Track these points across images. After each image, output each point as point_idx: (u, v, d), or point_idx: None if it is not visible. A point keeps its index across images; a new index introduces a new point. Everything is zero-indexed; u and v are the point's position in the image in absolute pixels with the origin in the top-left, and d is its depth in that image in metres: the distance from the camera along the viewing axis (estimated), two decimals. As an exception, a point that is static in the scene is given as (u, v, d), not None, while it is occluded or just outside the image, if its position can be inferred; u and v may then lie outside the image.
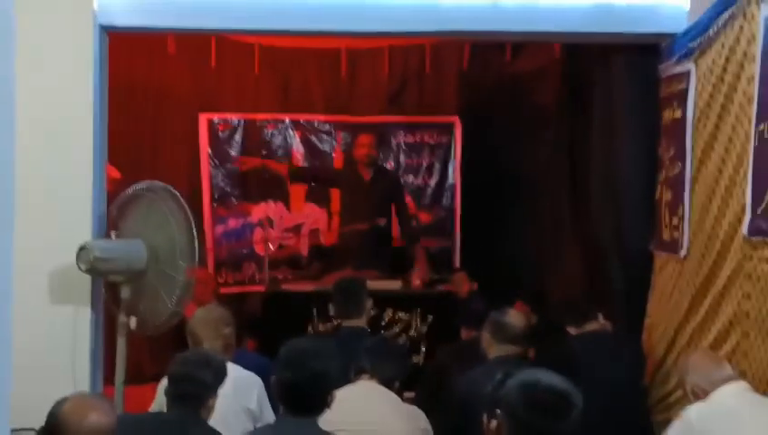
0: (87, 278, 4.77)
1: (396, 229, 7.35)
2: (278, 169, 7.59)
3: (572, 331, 4.92)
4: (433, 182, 8.03)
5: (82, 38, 4.86)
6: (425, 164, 8.02)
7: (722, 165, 4.38)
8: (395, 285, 6.72)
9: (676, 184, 4.93)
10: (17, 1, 2.25)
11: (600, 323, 4.91)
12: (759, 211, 3.93)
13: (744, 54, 4.20)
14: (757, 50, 4.03)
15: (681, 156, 4.88)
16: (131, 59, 6.84)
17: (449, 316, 6.04)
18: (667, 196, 5.10)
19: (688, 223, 4.77)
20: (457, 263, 7.73)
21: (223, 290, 7.22)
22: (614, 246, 5.84)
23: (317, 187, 7.76)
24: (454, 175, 7.96)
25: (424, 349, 6.32)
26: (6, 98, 1.71)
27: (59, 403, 2.81)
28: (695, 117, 4.75)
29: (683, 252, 4.80)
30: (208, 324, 4.06)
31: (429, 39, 7.13)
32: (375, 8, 5.08)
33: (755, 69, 4.02)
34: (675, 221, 4.93)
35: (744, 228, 4.05)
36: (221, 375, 3.36)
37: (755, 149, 3.98)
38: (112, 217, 5.01)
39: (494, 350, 4.22)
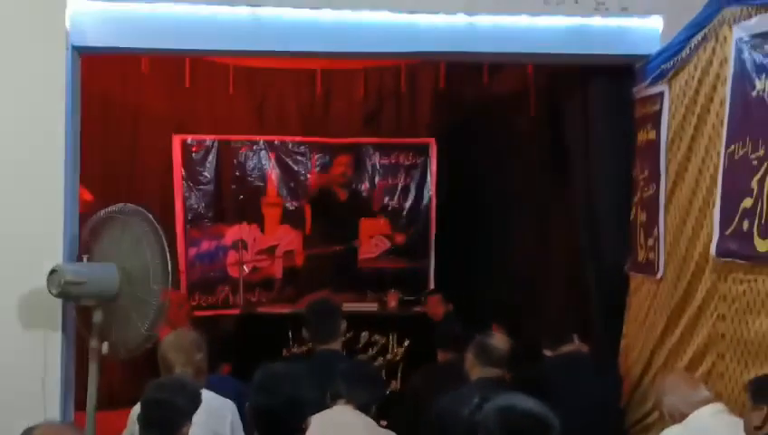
0: (58, 302, 4.69)
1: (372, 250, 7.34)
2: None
3: (548, 353, 4.91)
4: (408, 204, 8.01)
5: (55, 59, 4.81)
6: (400, 185, 8.00)
7: (695, 186, 4.41)
8: (371, 306, 6.69)
9: (651, 205, 4.94)
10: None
11: (575, 345, 4.90)
12: (728, 232, 3.96)
13: (717, 76, 4.25)
14: (728, 72, 4.07)
15: (655, 177, 4.90)
16: (105, 79, 6.79)
17: (425, 340, 6.01)
18: (642, 217, 5.11)
19: (663, 244, 4.78)
20: (432, 284, 7.70)
21: (196, 313, 7.15)
22: (590, 267, 5.84)
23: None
24: (429, 196, 7.95)
25: (400, 373, 6.28)
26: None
27: (27, 432, 2.75)
28: (668, 138, 4.79)
29: (659, 273, 4.81)
30: (180, 350, 3.97)
31: (405, 60, 7.12)
32: (351, 29, 5.08)
33: (727, 91, 4.05)
34: (650, 242, 4.95)
35: (713, 249, 4.08)
36: (196, 401, 3.30)
37: (725, 170, 4.03)
38: (84, 239, 4.94)
39: (477, 372, 4.21)
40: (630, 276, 5.31)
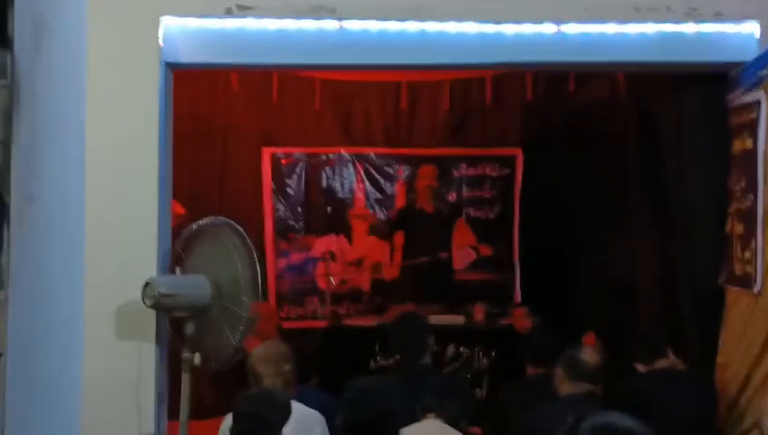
0: (152, 314, 4.78)
1: (458, 262, 7.31)
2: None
3: (641, 368, 4.79)
4: (494, 215, 7.95)
5: (149, 75, 4.91)
6: (486, 196, 7.96)
7: (796, 197, 4.26)
8: (457, 319, 6.65)
9: (748, 217, 4.79)
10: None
11: (670, 361, 4.77)
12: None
13: (817, 83, 4.09)
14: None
15: (753, 188, 4.75)
16: (196, 95, 6.94)
17: (511, 352, 5.95)
18: (738, 229, 4.96)
19: (762, 257, 4.62)
20: (518, 297, 7.63)
21: (285, 325, 7.22)
22: (684, 279, 5.69)
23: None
24: (515, 207, 7.88)
25: (487, 384, 6.23)
26: (78, 139, 1.72)
27: None
28: (766, 147, 4.63)
29: (756, 287, 4.66)
30: (269, 361, 4.03)
31: (492, 71, 7.08)
32: (436, 40, 5.06)
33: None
34: (747, 255, 4.79)
35: None
36: (285, 413, 3.33)
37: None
38: (177, 252, 5.04)
39: (567, 387, 4.14)
40: (727, 290, 5.15)
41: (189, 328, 4.77)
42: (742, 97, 4.97)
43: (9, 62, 1.20)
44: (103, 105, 4.58)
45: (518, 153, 7.86)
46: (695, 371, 5.01)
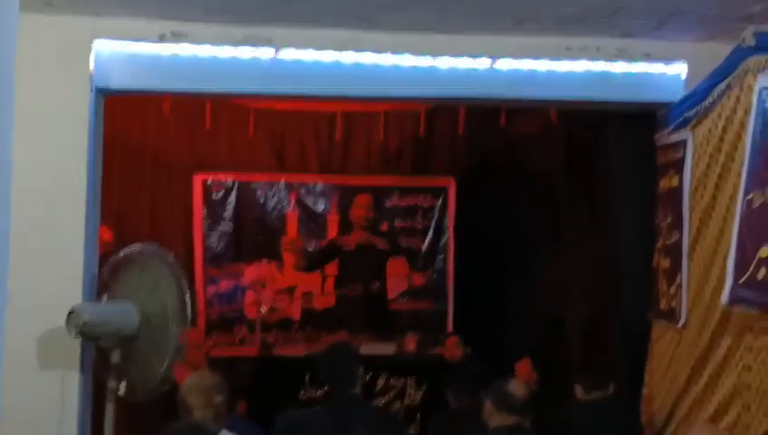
0: (76, 342, 4.68)
1: (390, 292, 7.32)
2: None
3: (580, 393, 4.83)
4: (426, 245, 7.99)
5: (78, 100, 4.83)
6: (419, 227, 7.99)
7: (720, 235, 4.37)
8: (389, 349, 6.65)
9: (674, 252, 4.90)
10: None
11: (606, 393, 4.82)
12: (741, 281, 3.92)
13: (741, 124, 4.22)
14: (750, 120, 4.05)
15: (678, 224, 4.86)
16: (127, 120, 6.84)
17: (442, 383, 5.96)
18: (664, 264, 5.07)
19: (686, 292, 4.73)
20: (450, 326, 7.65)
21: (214, 353, 7.11)
22: (612, 313, 5.78)
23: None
24: (447, 238, 7.93)
25: (419, 418, 6.22)
26: (5, 163, 1.67)
27: None
28: (692, 186, 4.76)
29: (681, 321, 4.76)
30: (200, 393, 3.96)
31: (426, 104, 7.14)
32: (371, 72, 5.08)
33: (747, 139, 4.04)
34: (672, 290, 4.90)
35: (725, 298, 4.03)
36: (213, 447, 3.27)
37: (742, 218, 3.99)
38: (104, 280, 4.94)
39: (496, 419, 4.17)
40: (653, 323, 5.25)
41: (115, 357, 4.67)
42: (669, 136, 5.10)
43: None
44: (31, 129, 4.48)
45: (450, 183, 7.92)
46: (620, 403, 5.09)
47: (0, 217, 1.63)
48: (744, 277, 3.92)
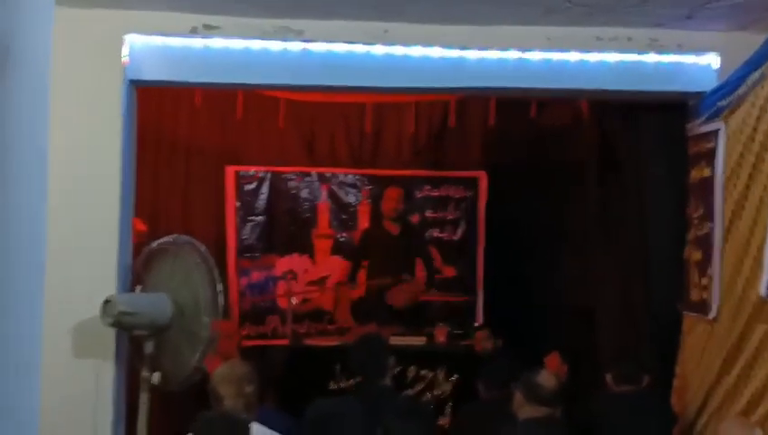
0: (111, 332, 4.75)
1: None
2: None
3: (611, 385, 4.82)
4: (457, 236, 7.99)
5: (112, 92, 4.91)
6: (450, 218, 7.99)
7: (753, 225, 4.34)
8: (419, 341, 6.67)
9: (706, 244, 4.87)
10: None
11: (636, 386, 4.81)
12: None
13: (775, 115, 4.18)
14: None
15: (710, 215, 4.83)
16: (159, 112, 6.91)
17: (473, 374, 5.96)
18: (696, 255, 5.03)
19: (718, 284, 4.70)
20: (481, 318, 7.65)
21: (246, 343, 7.17)
22: (643, 304, 5.76)
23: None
24: (478, 229, 7.92)
25: (449, 409, 6.24)
26: (41, 154, 1.72)
27: None
28: (724, 176, 4.72)
29: (712, 313, 4.73)
30: (231, 382, 3.98)
31: (455, 95, 7.13)
32: (401, 64, 5.10)
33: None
34: (704, 282, 4.87)
35: (762, 289, 4.01)
36: (244, 435, 3.31)
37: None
38: (138, 270, 5.01)
39: (526, 411, 4.17)
40: (684, 315, 5.22)
41: (149, 347, 4.74)
42: (700, 126, 5.06)
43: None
44: (67, 122, 4.54)
45: (481, 175, 7.91)
46: (653, 394, 5.06)
47: (37, 206, 1.67)
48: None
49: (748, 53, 4.56)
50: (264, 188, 7.69)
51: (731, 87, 4.69)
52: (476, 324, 7.28)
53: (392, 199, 7.23)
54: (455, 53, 5.08)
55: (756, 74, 4.41)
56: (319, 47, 5.04)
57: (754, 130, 4.39)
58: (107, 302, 4.57)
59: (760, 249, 4.22)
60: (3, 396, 1.51)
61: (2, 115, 1.42)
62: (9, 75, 1.43)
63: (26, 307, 1.74)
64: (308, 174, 7.80)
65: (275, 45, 5.03)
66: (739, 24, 4.88)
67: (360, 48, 5.05)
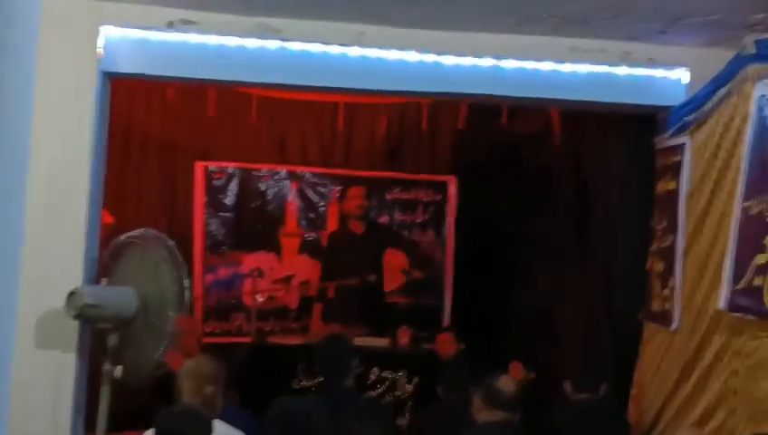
0: (75, 324, 4.72)
1: (387, 285, 7.38)
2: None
3: (569, 393, 4.87)
4: (426, 240, 8.02)
5: (85, 83, 4.89)
6: (418, 221, 8.03)
7: (714, 240, 4.42)
8: (382, 342, 6.69)
9: (668, 255, 4.95)
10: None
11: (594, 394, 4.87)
12: (738, 287, 3.98)
13: (738, 132, 4.28)
14: (748, 129, 4.10)
15: (673, 228, 4.91)
16: (132, 105, 6.88)
17: (434, 377, 6.00)
18: (658, 266, 5.11)
19: (680, 295, 4.78)
20: (447, 322, 7.69)
21: (209, 340, 7.17)
22: (605, 311, 5.83)
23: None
24: (447, 233, 7.97)
25: (409, 411, 6.27)
26: (22, 145, 1.72)
27: None
28: (688, 190, 4.80)
29: (674, 324, 4.80)
30: (192, 379, 3.94)
31: (429, 99, 7.17)
32: (376, 67, 5.13)
33: (745, 147, 4.09)
34: (665, 292, 4.95)
35: (722, 303, 4.09)
36: (207, 432, 3.31)
37: (739, 225, 4.05)
38: (104, 263, 4.99)
39: (484, 415, 4.20)
40: (645, 325, 5.30)
41: (112, 340, 4.72)
42: (668, 140, 5.14)
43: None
44: (42, 113, 4.51)
45: (451, 180, 7.95)
46: (610, 402, 5.13)
47: (17, 205, 1.67)
48: (741, 284, 3.98)
49: (717, 68, 4.65)
50: (233, 185, 7.68)
51: (698, 103, 4.77)
52: (441, 328, 7.31)
53: (355, 198, 7.25)
54: (430, 58, 5.13)
55: (722, 91, 4.49)
56: (295, 46, 5.05)
57: (718, 146, 4.47)
58: (72, 293, 4.54)
59: (719, 263, 4.30)
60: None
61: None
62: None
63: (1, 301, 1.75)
64: (277, 172, 7.80)
65: (252, 42, 5.04)
66: (710, 41, 4.98)
67: (335, 49, 5.08)
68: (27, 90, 1.68)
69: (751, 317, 4.02)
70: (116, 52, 4.95)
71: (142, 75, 5.20)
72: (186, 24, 4.96)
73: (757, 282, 4.01)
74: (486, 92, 5.27)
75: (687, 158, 4.84)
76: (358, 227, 7.28)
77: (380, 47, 5.08)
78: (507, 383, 4.35)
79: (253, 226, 7.73)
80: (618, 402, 5.21)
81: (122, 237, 5.01)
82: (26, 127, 1.71)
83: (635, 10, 4.61)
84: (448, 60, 5.12)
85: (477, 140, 7.74)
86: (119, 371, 4.70)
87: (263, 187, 7.77)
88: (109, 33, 4.92)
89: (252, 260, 7.62)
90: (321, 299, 7.28)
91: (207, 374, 3.99)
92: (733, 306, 4.08)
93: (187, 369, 4.05)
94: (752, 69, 4.22)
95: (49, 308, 4.71)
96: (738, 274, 4.06)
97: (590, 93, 5.22)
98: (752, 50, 4.27)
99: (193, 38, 4.99)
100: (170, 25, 4.94)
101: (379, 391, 6.33)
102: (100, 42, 4.88)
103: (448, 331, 6.95)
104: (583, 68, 5.17)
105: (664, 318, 4.95)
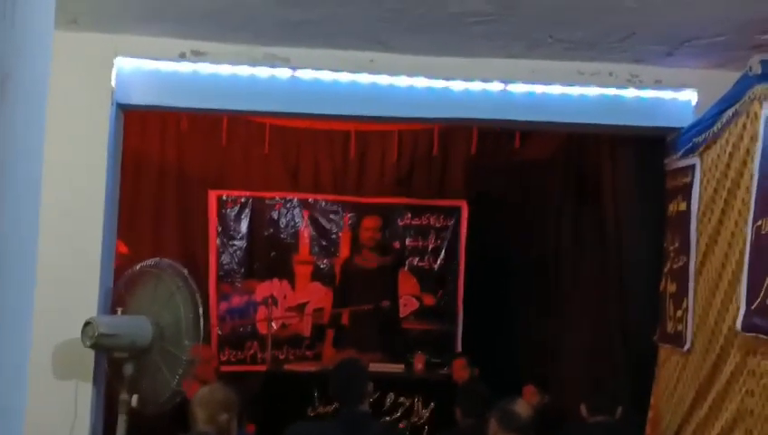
0: (91, 354, 4.75)
1: (401, 311, 7.40)
2: None
3: (585, 416, 4.85)
4: (438, 265, 8.04)
5: (100, 115, 4.94)
6: (430, 247, 8.04)
7: (725, 260, 4.42)
8: (397, 368, 6.70)
9: (681, 276, 4.95)
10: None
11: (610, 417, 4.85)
12: (753, 307, 3.96)
13: (747, 152, 4.28)
14: (757, 148, 4.11)
15: (686, 248, 4.91)
16: (144, 135, 6.95)
17: (449, 403, 5.99)
18: (671, 288, 5.11)
19: (692, 316, 4.77)
20: (459, 347, 7.69)
21: (224, 368, 7.19)
22: (619, 335, 5.82)
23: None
24: (459, 259, 7.98)
25: (426, 435, 6.27)
26: (35, 179, 1.75)
27: None
28: (699, 211, 4.81)
29: (686, 345, 4.80)
30: (207, 407, 3.96)
31: (439, 124, 7.21)
32: (386, 94, 5.17)
33: (755, 166, 4.09)
34: (679, 314, 4.94)
35: (738, 324, 4.08)
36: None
37: (752, 244, 4.04)
38: (119, 292, 5.03)
39: (501, 438, 4.20)
40: (659, 347, 5.29)
41: (128, 369, 4.75)
42: (677, 161, 5.16)
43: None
44: (53, 143, 4.55)
45: (463, 205, 7.97)
46: (627, 425, 5.11)
47: (30, 231, 1.70)
48: (756, 304, 3.97)
49: (725, 89, 4.67)
50: (246, 213, 7.73)
51: (706, 124, 4.79)
52: (455, 353, 7.32)
53: (369, 229, 7.29)
54: (439, 84, 5.16)
55: (730, 112, 4.51)
56: (305, 75, 5.10)
57: (727, 166, 4.48)
58: (87, 323, 4.58)
59: (731, 283, 4.29)
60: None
61: (0, 142, 1.46)
62: (8, 100, 1.47)
63: (16, 329, 1.77)
64: (289, 200, 7.84)
65: (263, 72, 5.09)
66: (717, 62, 5.00)
67: (346, 77, 5.12)
68: (40, 122, 1.71)
69: (765, 337, 4.00)
70: (129, 83, 5.01)
71: (155, 106, 5.27)
72: (197, 55, 5.02)
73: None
74: (496, 117, 5.30)
75: (697, 178, 4.85)
76: (371, 254, 7.31)
77: (390, 74, 5.12)
78: (523, 407, 4.36)
79: (266, 254, 7.77)
80: (634, 425, 5.20)
81: (137, 267, 5.05)
82: (39, 159, 1.74)
83: (641, 33, 4.64)
84: (457, 85, 5.16)
85: (488, 165, 7.78)
86: (135, 400, 4.73)
87: (275, 215, 7.81)
88: (122, 65, 4.98)
89: (265, 288, 7.65)
90: (333, 326, 7.30)
91: (221, 402, 4.00)
92: (748, 326, 4.07)
93: (200, 397, 4.07)
94: (759, 89, 4.23)
95: (65, 338, 4.73)
96: (753, 293, 4.04)
97: (599, 116, 5.25)
98: (758, 70, 4.29)
99: (205, 68, 5.04)
100: (182, 56, 5.01)
101: (396, 416, 6.33)
102: (114, 74, 4.94)
103: (462, 356, 6.96)
104: (591, 91, 5.20)
105: (678, 339, 4.94)
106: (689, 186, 4.92)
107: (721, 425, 4.31)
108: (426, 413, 6.39)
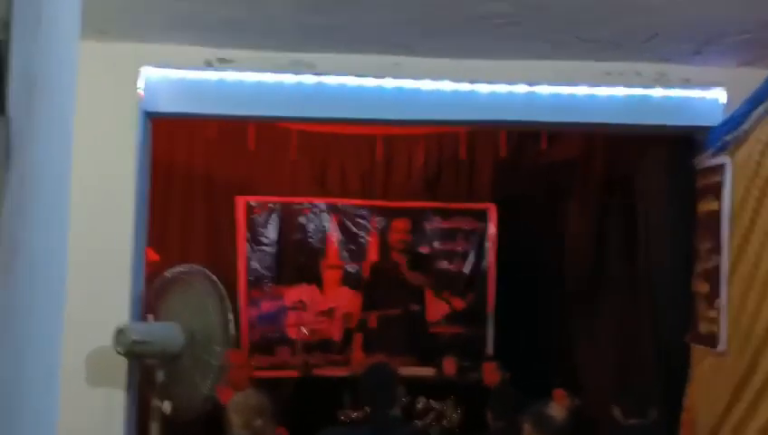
0: (123, 361, 4.78)
1: (430, 315, 7.37)
2: None
3: (619, 418, 4.82)
4: (467, 269, 8.01)
5: (127, 124, 4.98)
6: (459, 250, 8.02)
7: (757, 260, 4.37)
8: (428, 372, 6.69)
9: (713, 277, 4.90)
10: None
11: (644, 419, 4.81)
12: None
13: (779, 150, 4.23)
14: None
15: (717, 248, 4.86)
16: (172, 143, 6.99)
17: (480, 406, 5.98)
18: (703, 288, 5.06)
19: (726, 316, 4.72)
20: (490, 350, 7.66)
21: (256, 374, 7.20)
22: (651, 336, 5.77)
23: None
24: (488, 262, 7.95)
25: (458, 439, 6.26)
26: (63, 190, 1.77)
27: None
28: (731, 210, 4.75)
29: (720, 346, 4.74)
30: (242, 412, 4.02)
31: (465, 127, 7.19)
32: (412, 97, 5.16)
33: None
34: (712, 314, 4.89)
35: None
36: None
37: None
38: (150, 299, 5.05)
39: (535, 442, 4.19)
40: (692, 348, 5.24)
41: (160, 376, 4.77)
42: (708, 160, 5.10)
43: (4, 125, 1.26)
44: (82, 152, 4.58)
45: (491, 207, 7.95)
46: (661, 427, 5.07)
47: (59, 240, 1.71)
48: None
49: (754, 87, 4.63)
50: (274, 219, 7.75)
51: (736, 122, 4.74)
52: (485, 356, 7.29)
53: (399, 231, 7.29)
54: (465, 87, 5.15)
55: (760, 110, 4.47)
56: (331, 80, 5.11)
57: (759, 164, 4.44)
58: (119, 331, 4.60)
59: (765, 283, 4.25)
60: (24, 422, 1.54)
61: (29, 149, 1.47)
62: (35, 109, 1.48)
63: (47, 337, 1.78)
64: (317, 205, 7.86)
65: (288, 78, 5.10)
66: (745, 60, 4.95)
67: (371, 81, 5.12)
68: (68, 131, 1.72)
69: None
70: (156, 92, 5.04)
71: (182, 114, 5.29)
72: (223, 63, 5.04)
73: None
74: (522, 119, 5.28)
75: (728, 178, 4.80)
76: (400, 258, 7.31)
77: (415, 78, 5.12)
78: (556, 410, 4.35)
79: (294, 259, 7.79)
80: (668, 427, 5.15)
81: (167, 274, 5.08)
82: (68, 167, 1.75)
83: (668, 32, 4.61)
84: (483, 88, 5.14)
85: (516, 167, 7.74)
86: (167, 406, 4.75)
87: (303, 220, 7.83)
88: (148, 74, 5.01)
89: (294, 293, 7.67)
90: (361, 329, 7.30)
91: (255, 407, 4.04)
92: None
93: (235, 403, 4.10)
94: (789, 86, 4.20)
95: (97, 346, 4.76)
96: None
97: (627, 116, 5.20)
98: (788, 67, 4.25)
99: (231, 76, 5.07)
100: (208, 64, 5.03)
101: (427, 420, 6.32)
102: (141, 82, 4.98)
103: (492, 360, 6.93)
104: (619, 91, 5.16)
105: (711, 340, 4.89)
106: (720, 185, 4.87)
107: (759, 424, 4.26)
108: (457, 417, 6.37)
